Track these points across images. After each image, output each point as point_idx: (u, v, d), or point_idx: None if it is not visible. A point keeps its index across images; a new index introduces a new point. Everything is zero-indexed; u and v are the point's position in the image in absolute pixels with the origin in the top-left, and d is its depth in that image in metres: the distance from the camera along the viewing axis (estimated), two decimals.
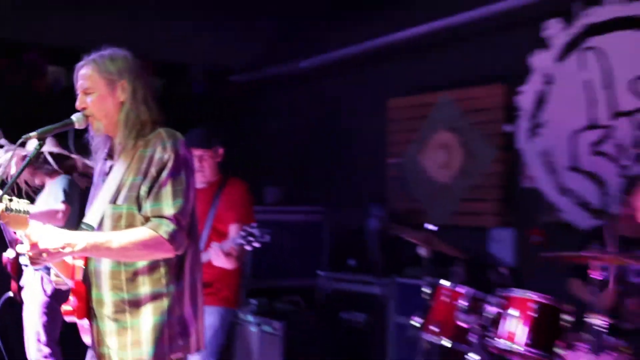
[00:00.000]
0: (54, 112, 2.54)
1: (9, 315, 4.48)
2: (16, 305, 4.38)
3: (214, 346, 3.98)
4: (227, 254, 3.74)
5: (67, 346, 4.20)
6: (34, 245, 2.25)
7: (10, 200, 2.28)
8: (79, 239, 2.31)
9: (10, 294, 4.27)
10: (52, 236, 2.28)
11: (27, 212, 2.32)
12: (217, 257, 3.74)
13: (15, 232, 3.59)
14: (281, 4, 6.49)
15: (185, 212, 2.44)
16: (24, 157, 3.66)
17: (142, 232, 2.37)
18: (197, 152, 3.95)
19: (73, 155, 4.25)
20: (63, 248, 2.27)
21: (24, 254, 2.29)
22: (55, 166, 4.25)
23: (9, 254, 4.21)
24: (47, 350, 4.30)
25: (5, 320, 4.48)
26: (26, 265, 4.32)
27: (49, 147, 4.19)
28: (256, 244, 3.63)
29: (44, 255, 2.26)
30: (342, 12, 6.57)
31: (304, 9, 6.65)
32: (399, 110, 6.23)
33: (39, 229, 2.31)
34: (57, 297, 4.18)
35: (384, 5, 6.19)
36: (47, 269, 4.19)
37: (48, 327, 4.30)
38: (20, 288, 4.33)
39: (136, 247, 2.35)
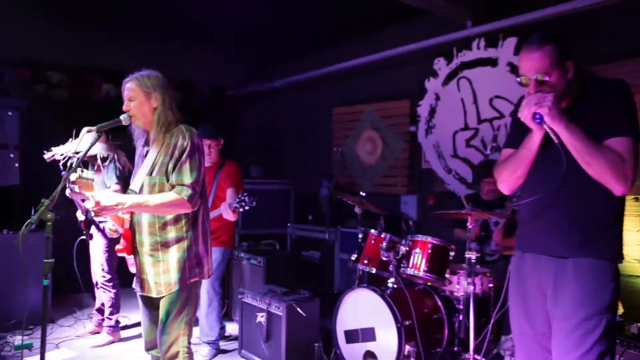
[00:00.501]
0: (107, 115, 2.50)
1: (81, 253, 4.42)
2: (85, 246, 4.33)
3: (217, 273, 3.99)
4: (233, 211, 3.72)
5: (121, 274, 4.15)
6: (97, 203, 2.25)
7: (82, 170, 2.27)
8: (127, 198, 2.32)
9: (83, 237, 4.25)
10: (109, 197, 2.29)
11: (92, 180, 2.30)
12: (226, 212, 3.72)
13: (82, 198, 3.55)
14: (262, 43, 6.45)
15: (198, 181, 2.44)
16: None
17: (170, 195, 2.37)
18: (206, 142, 3.91)
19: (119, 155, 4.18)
20: (116, 205, 2.28)
21: (90, 209, 2.27)
22: (100, 163, 4.16)
23: (80, 216, 4.17)
24: (108, 276, 4.25)
25: (79, 255, 4.41)
26: (92, 221, 4.27)
27: (99, 147, 4.09)
28: (247, 207, 3.62)
29: (105, 210, 2.27)
30: (303, 49, 6.52)
31: (278, 47, 6.61)
32: (340, 115, 6.23)
33: (101, 192, 2.30)
34: (113, 241, 4.14)
35: (330, 44, 6.16)
36: (98, 227, 4.17)
37: (108, 260, 4.24)
38: (90, 236, 4.28)
39: (165, 205, 2.36)
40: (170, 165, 2.41)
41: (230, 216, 3.76)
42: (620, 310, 3.32)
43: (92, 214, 2.30)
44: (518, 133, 2.07)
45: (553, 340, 1.93)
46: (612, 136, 1.84)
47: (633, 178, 1.81)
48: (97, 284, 4.35)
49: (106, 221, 4.14)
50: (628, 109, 1.87)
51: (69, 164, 2.46)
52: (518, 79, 1.96)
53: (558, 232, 1.93)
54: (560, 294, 1.90)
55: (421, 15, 4.83)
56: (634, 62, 3.67)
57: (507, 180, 2.08)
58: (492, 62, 4.51)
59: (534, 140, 1.95)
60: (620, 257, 1.90)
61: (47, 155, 3.51)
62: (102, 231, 4.19)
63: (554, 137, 1.86)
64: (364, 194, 4.10)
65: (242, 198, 3.61)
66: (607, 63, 3.75)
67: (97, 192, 2.31)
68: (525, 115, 1.89)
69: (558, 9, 3.85)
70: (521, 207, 2.12)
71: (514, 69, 4.25)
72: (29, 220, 2.12)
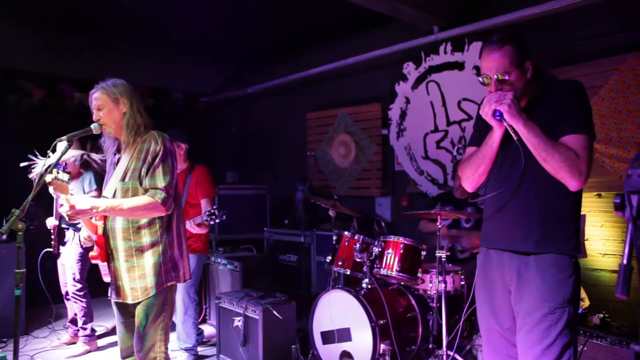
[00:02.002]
0: (80, 125, 2.48)
1: (48, 264, 4.36)
2: (52, 257, 4.27)
3: (193, 280, 3.96)
4: (198, 225, 3.70)
5: (93, 283, 4.10)
6: (71, 207, 2.24)
7: (57, 172, 2.25)
8: (101, 202, 2.31)
9: (49, 249, 4.14)
10: (83, 201, 2.28)
11: (67, 182, 2.29)
12: (191, 228, 3.71)
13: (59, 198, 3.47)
14: (236, 51, 6.45)
15: (172, 184, 2.44)
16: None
17: (143, 198, 2.37)
18: None
19: (93, 156, 4.12)
20: (90, 209, 2.27)
21: (64, 213, 2.26)
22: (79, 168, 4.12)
23: (53, 222, 4.09)
24: (79, 285, 4.20)
25: (46, 267, 4.34)
26: (67, 228, 4.20)
27: (74, 150, 4.06)
28: (217, 220, 3.60)
29: (79, 214, 2.26)
30: (275, 57, 6.55)
31: (251, 54, 6.62)
32: (314, 119, 6.25)
33: (75, 196, 2.30)
34: (87, 249, 4.10)
35: (303, 50, 6.20)
36: (79, 229, 4.11)
37: (81, 269, 4.19)
38: (64, 243, 4.22)
39: (139, 208, 2.35)
40: (143, 170, 2.41)
41: (197, 230, 3.74)
42: (587, 303, 3.42)
43: (67, 219, 2.28)
44: (481, 132, 2.12)
45: (517, 334, 1.97)
46: (567, 134, 1.89)
47: (587, 173, 1.87)
48: (67, 294, 4.29)
49: (80, 229, 4.10)
50: (583, 109, 1.94)
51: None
52: (480, 78, 2.02)
53: (519, 228, 1.97)
54: (524, 289, 1.94)
55: (390, 21, 4.91)
56: (591, 65, 3.81)
57: (471, 177, 2.13)
58: (459, 66, 4.60)
59: (495, 137, 2.00)
60: (578, 250, 1.95)
61: (32, 175, 3.43)
62: (78, 237, 4.13)
63: (513, 134, 1.91)
64: (336, 197, 4.12)
65: (212, 211, 3.59)
66: (566, 66, 3.88)
67: (72, 196, 2.29)
68: (486, 112, 1.94)
69: (520, 14, 3.96)
70: (484, 203, 2.16)
71: (480, 73, 4.37)
72: None
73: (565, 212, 1.95)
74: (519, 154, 1.90)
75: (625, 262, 0.91)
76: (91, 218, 2.46)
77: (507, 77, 1.95)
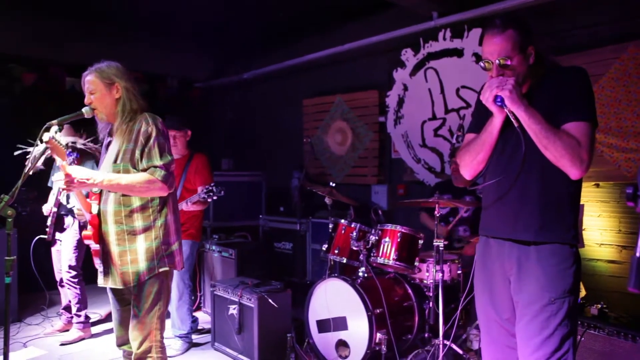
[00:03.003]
0: (70, 108, 2.42)
1: (41, 250, 4.31)
2: (45, 243, 4.21)
3: (187, 266, 3.94)
4: (193, 204, 3.71)
5: (87, 270, 4.06)
6: (67, 175, 2.21)
7: (56, 132, 2.21)
8: (99, 174, 2.28)
9: (43, 236, 4.09)
10: (81, 170, 2.26)
11: (64, 146, 2.25)
12: (186, 207, 3.70)
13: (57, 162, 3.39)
14: (231, 36, 6.35)
15: (170, 163, 2.40)
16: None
17: (143, 175, 2.33)
18: (172, 133, 3.83)
19: (80, 143, 4.05)
20: (87, 179, 2.24)
21: (60, 183, 2.25)
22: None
23: (51, 208, 4.03)
24: (74, 272, 4.16)
25: (39, 254, 4.29)
26: (66, 215, 4.15)
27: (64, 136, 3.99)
28: (215, 197, 3.60)
29: (75, 183, 2.23)
30: (271, 41, 6.46)
31: (247, 39, 6.52)
32: (310, 106, 6.20)
33: (73, 166, 2.28)
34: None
35: (299, 36, 6.11)
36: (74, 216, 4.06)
37: (77, 256, 4.16)
38: (63, 230, 4.17)
39: (139, 184, 2.30)
40: (137, 152, 2.35)
41: (191, 208, 3.74)
42: (583, 292, 3.42)
43: (65, 199, 2.24)
44: (481, 118, 2.07)
45: (517, 325, 1.95)
46: (569, 121, 1.85)
47: (588, 162, 1.83)
48: (61, 281, 4.25)
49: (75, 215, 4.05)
50: (586, 95, 1.90)
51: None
52: (481, 63, 1.97)
53: (519, 216, 1.94)
54: (524, 279, 1.92)
55: (389, 6, 4.83)
56: (591, 54, 3.76)
57: (469, 164, 2.08)
58: (458, 53, 4.56)
59: (495, 123, 1.96)
60: (577, 239, 1.92)
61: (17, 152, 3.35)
62: (78, 224, 4.09)
63: (514, 121, 1.87)
64: (333, 185, 4.09)
65: (210, 188, 3.57)
66: (566, 54, 3.83)
67: (70, 166, 2.25)
68: (486, 97, 1.90)
69: (521, 1, 3.90)
70: (484, 191, 2.12)
71: (479, 60, 4.32)
72: None
73: (565, 201, 1.92)
74: (520, 141, 1.86)
75: (638, 254, 0.87)
76: (87, 197, 2.42)
77: (509, 62, 1.90)
